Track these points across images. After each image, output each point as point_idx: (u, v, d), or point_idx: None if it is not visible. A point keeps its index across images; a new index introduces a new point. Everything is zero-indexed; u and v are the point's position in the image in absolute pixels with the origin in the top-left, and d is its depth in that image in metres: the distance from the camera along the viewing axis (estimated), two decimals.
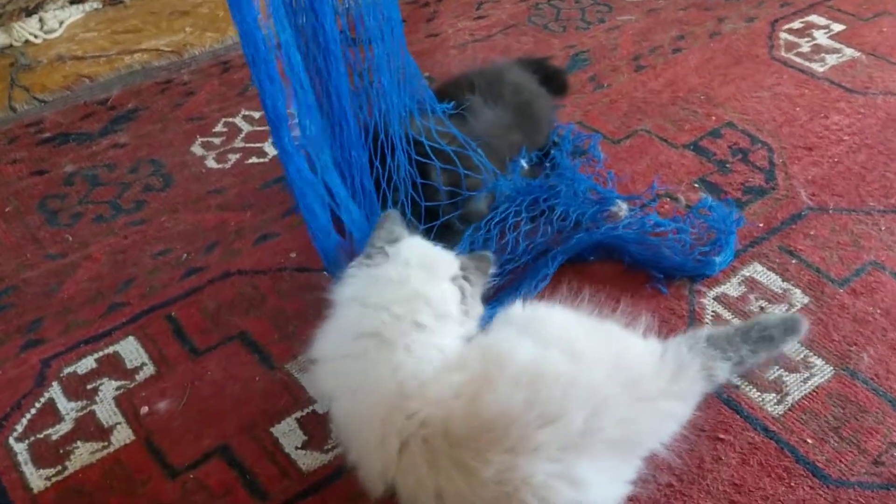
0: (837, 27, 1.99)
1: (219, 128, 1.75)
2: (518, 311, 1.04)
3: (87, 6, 2.20)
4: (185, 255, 1.43)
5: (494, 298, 1.31)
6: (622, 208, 1.47)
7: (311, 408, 1.18)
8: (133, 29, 2.11)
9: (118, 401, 1.20)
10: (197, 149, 1.69)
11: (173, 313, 1.33)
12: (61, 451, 1.14)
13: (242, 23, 0.96)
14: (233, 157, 1.66)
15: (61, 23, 2.12)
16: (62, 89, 1.89)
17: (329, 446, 1.13)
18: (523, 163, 1.54)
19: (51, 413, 1.19)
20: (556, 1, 2.16)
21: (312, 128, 1.14)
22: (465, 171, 1.34)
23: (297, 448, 1.13)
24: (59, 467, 1.12)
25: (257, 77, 1.00)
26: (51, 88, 1.89)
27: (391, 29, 1.30)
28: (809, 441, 1.12)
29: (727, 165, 1.58)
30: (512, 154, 1.50)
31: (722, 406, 1.16)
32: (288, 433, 1.14)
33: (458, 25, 2.08)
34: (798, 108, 1.72)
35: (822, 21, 2.01)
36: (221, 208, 1.53)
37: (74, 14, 2.17)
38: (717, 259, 1.36)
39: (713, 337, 1.06)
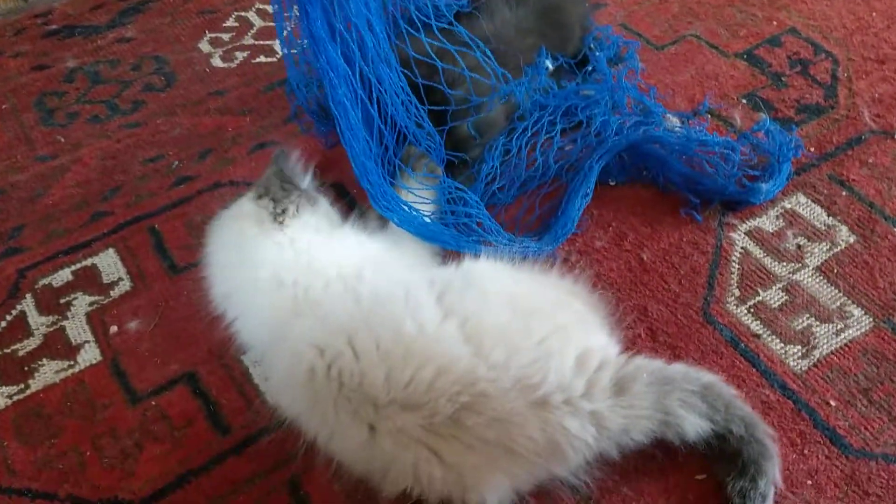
0: None
1: (230, 22, 1.63)
2: (450, 271, 0.96)
3: None
4: (177, 162, 1.34)
5: (535, 230, 1.19)
6: (674, 122, 1.31)
7: None
8: None
9: (90, 317, 1.14)
10: (204, 45, 1.58)
11: (157, 226, 1.25)
12: (26, 369, 1.09)
13: None
14: (240, 56, 1.55)
15: None
16: None
17: None
18: (548, 63, 1.38)
19: (21, 327, 1.14)
20: None
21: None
22: (470, 74, 1.19)
23: (266, 379, 1.05)
24: (22, 385, 1.07)
25: None
26: None
27: None
28: (832, 403, 0.98)
29: (783, 79, 1.39)
30: (529, 59, 1.34)
31: (737, 357, 1.03)
32: (259, 362, 1.07)
33: None
34: (874, 14, 1.50)
35: None
36: (220, 112, 1.43)
37: None
38: (765, 186, 1.19)
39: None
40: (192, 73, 1.52)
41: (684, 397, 0.88)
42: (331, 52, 0.94)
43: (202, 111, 1.43)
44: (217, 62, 1.54)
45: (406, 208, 1.08)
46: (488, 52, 1.20)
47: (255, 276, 0.96)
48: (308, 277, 0.95)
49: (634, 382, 0.87)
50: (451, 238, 1.11)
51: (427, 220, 1.10)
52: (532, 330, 0.88)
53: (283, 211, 1.02)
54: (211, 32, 1.61)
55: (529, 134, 1.27)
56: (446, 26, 1.14)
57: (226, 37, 1.59)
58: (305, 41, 1.16)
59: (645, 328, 1.07)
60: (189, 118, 1.42)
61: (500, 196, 1.24)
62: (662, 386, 0.88)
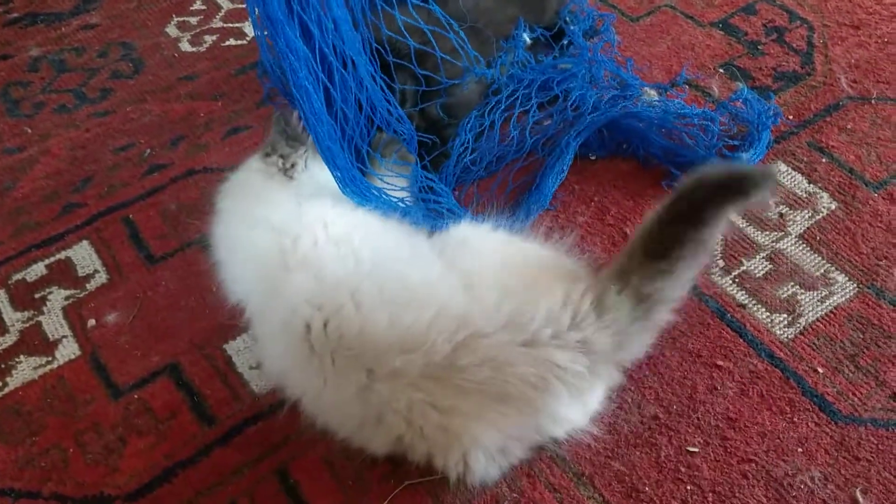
0: None
1: (197, 5, 1.60)
2: (451, 231, 0.98)
3: None
4: (149, 150, 1.31)
5: (512, 203, 1.18)
6: (652, 95, 1.30)
7: None
8: None
9: (66, 311, 1.12)
10: (172, 30, 1.55)
11: (131, 216, 1.22)
12: (3, 366, 1.07)
13: None
14: (209, 39, 1.52)
15: None
16: None
17: None
18: (525, 37, 1.36)
19: None
20: None
21: None
22: (442, 55, 1.17)
23: (250, 368, 1.04)
24: (0, 383, 1.05)
25: None
26: None
27: None
28: (820, 370, 0.98)
29: (759, 47, 1.39)
30: (508, 31, 1.33)
31: (724, 328, 1.03)
32: (242, 350, 1.05)
33: None
34: None
35: None
36: (191, 97, 1.40)
37: None
38: (746, 155, 1.19)
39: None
40: (160, 59, 1.48)
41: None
42: (289, 34, 0.91)
43: (173, 97, 1.40)
44: (186, 46, 1.51)
45: (376, 193, 1.06)
46: (462, 35, 1.18)
47: (254, 230, 0.96)
48: (299, 230, 0.93)
49: (608, 295, 0.87)
50: (422, 219, 1.10)
51: (398, 205, 1.09)
52: (521, 277, 0.90)
53: (293, 165, 1.02)
54: (178, 16, 1.57)
55: (503, 107, 1.25)
56: (421, 3, 1.12)
57: (193, 20, 1.56)
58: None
59: None
60: (159, 105, 1.39)
61: (473, 170, 1.22)
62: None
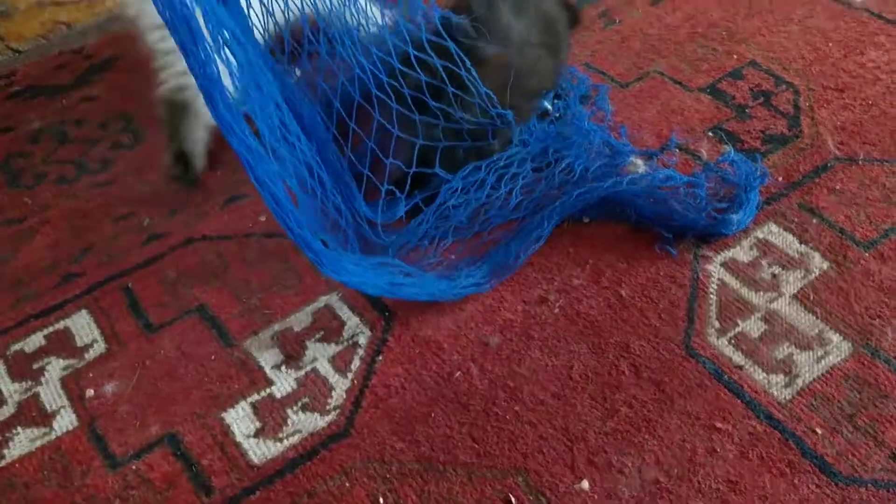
0: None
1: None
2: None
3: None
4: (148, 219, 1.33)
5: (482, 255, 1.20)
6: (638, 165, 1.32)
7: (267, 390, 1.08)
8: None
9: (64, 382, 1.12)
10: None
11: (130, 284, 1.23)
12: (0, 439, 1.06)
13: None
14: None
15: None
16: (38, 38, 1.78)
17: (283, 434, 1.03)
18: (546, 104, 1.39)
19: None
20: None
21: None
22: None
23: (248, 436, 1.03)
24: None
25: (178, 39, 0.85)
26: (26, 37, 1.78)
27: None
28: (819, 431, 0.99)
29: (746, 111, 1.42)
30: (543, 85, 1.35)
31: (721, 389, 1.03)
32: (240, 419, 1.05)
33: None
34: (831, 44, 1.54)
35: None
36: None
37: None
38: (736, 217, 1.21)
39: None
40: (158, 129, 1.50)
41: None
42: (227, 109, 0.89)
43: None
44: None
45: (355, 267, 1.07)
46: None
47: None
48: None
49: None
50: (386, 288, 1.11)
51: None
52: None
53: None
54: None
55: (501, 165, 1.27)
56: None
57: None
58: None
59: (628, 365, 1.07)
60: (158, 175, 1.41)
61: (453, 215, 1.24)
62: None
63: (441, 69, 1.15)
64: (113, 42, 1.75)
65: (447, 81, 1.16)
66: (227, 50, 0.88)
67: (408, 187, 1.22)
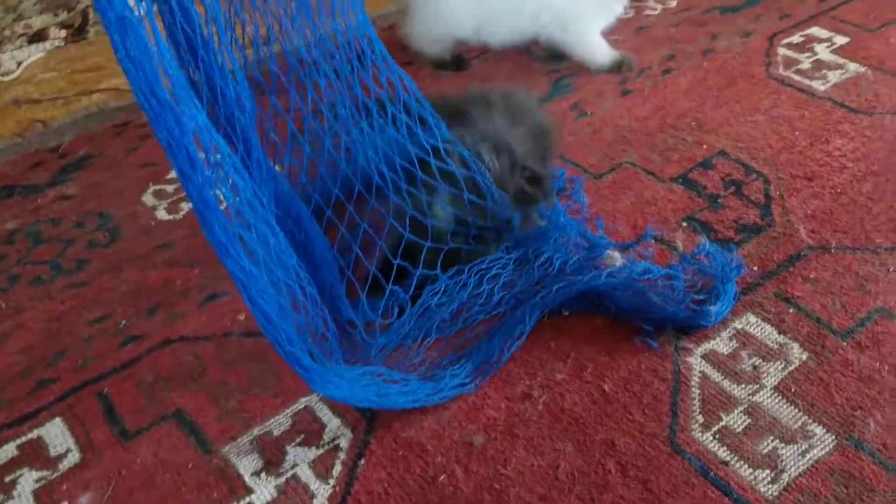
0: (841, 40, 1.84)
1: (173, 174, 1.64)
2: None
3: (48, 44, 2.10)
4: (124, 321, 1.31)
5: (466, 353, 1.19)
6: (615, 258, 1.33)
7: (246, 499, 1.06)
8: (94, 67, 2.01)
9: (37, 495, 1.08)
10: (148, 198, 1.58)
11: (105, 389, 1.21)
12: None
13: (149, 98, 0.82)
14: (185, 207, 1.54)
15: (19, 64, 2.03)
16: (14, 136, 1.79)
17: None
18: (540, 221, 1.40)
19: None
20: None
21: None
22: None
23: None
24: None
25: (177, 166, 0.86)
26: (2, 136, 1.79)
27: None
28: None
29: (719, 200, 1.45)
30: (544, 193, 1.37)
31: (708, 487, 1.02)
32: None
33: None
34: (797, 133, 1.58)
35: (824, 34, 1.87)
36: (168, 265, 1.42)
37: (34, 53, 2.07)
38: (714, 308, 1.22)
39: None
40: (136, 227, 1.51)
41: None
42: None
43: (149, 266, 1.42)
44: (162, 214, 1.53)
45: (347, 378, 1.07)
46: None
47: None
48: None
49: None
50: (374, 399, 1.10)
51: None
52: None
53: None
54: (155, 184, 1.61)
55: (486, 264, 1.27)
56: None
57: (170, 188, 1.60)
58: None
59: (615, 463, 1.06)
60: (136, 273, 1.40)
61: (435, 311, 1.23)
62: None
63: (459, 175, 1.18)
64: (89, 140, 1.76)
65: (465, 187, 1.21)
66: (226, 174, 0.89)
67: (392, 280, 1.22)
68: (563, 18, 1.76)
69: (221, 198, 0.90)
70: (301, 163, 1.30)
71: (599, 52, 1.81)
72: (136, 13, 0.78)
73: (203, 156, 0.87)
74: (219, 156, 0.88)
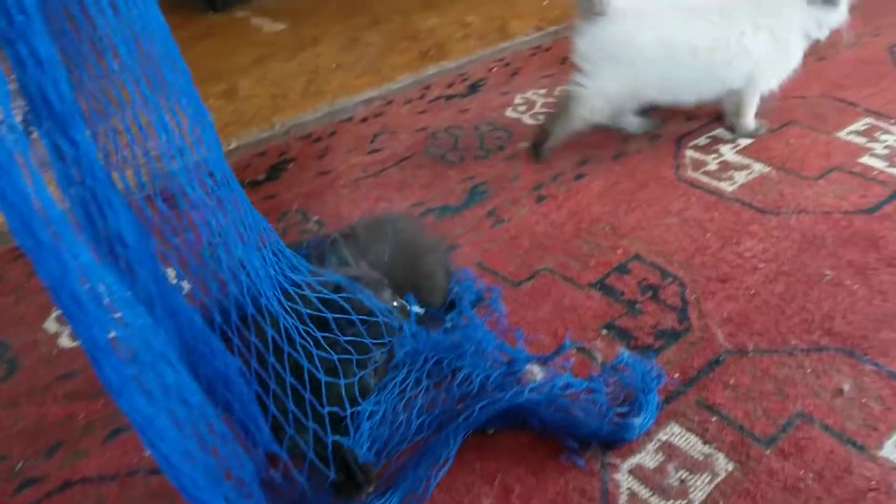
0: (745, 141, 1.91)
1: None
2: None
3: None
4: (21, 462, 1.23)
5: (391, 485, 1.14)
6: (536, 373, 1.31)
7: None
8: None
9: None
10: (51, 324, 1.50)
11: None
12: None
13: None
14: None
15: None
16: None
17: None
18: (417, 309, 1.38)
19: None
20: (454, 129, 2.06)
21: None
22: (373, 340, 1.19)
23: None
24: None
25: (62, 307, 0.81)
26: None
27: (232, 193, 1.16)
28: None
29: (636, 306, 1.45)
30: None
31: None
32: None
33: (350, 161, 1.96)
34: (709, 235, 1.61)
35: (728, 135, 1.94)
36: (70, 397, 1.34)
37: None
38: (637, 421, 1.20)
39: None
40: (37, 357, 1.43)
41: None
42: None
43: (49, 399, 1.34)
44: (65, 342, 1.46)
45: None
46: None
47: None
48: None
49: None
50: None
51: None
52: None
53: None
54: (57, 309, 1.53)
55: (397, 392, 1.24)
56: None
57: None
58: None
59: None
60: (35, 408, 1.32)
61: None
62: None
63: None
64: None
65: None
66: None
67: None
68: (758, 75, 1.84)
69: (113, 336, 0.85)
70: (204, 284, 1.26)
71: (753, 117, 1.92)
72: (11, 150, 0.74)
73: (92, 293, 0.82)
74: (108, 293, 0.83)
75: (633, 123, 1.95)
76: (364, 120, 2.12)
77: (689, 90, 1.85)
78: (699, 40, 1.77)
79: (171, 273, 1.28)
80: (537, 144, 1.88)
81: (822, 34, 1.81)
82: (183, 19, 2.74)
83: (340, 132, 2.08)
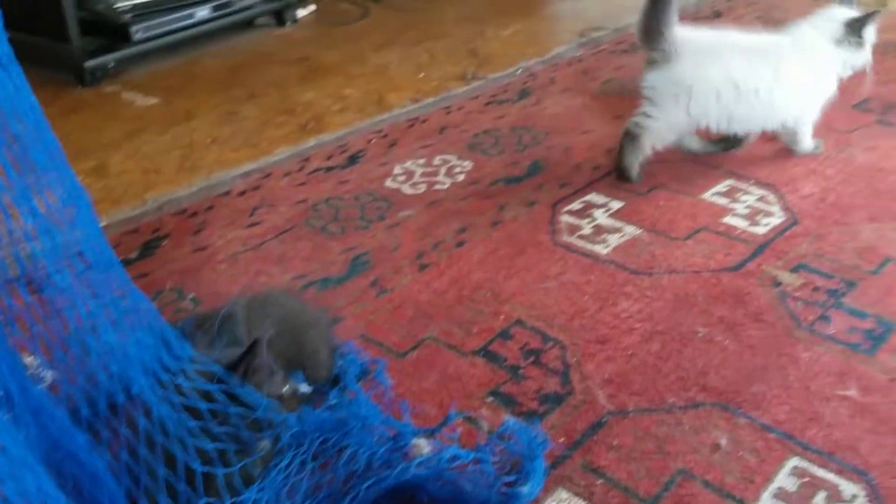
0: (616, 204, 1.98)
1: None
2: None
3: None
4: None
5: None
6: (422, 446, 1.29)
7: None
8: None
9: None
10: None
11: None
12: None
13: None
14: None
15: None
16: None
17: None
18: (304, 388, 1.34)
19: None
20: (335, 200, 2.05)
21: None
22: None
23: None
24: None
25: None
26: None
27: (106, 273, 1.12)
28: None
29: (520, 371, 1.46)
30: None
31: None
32: None
33: (228, 236, 1.92)
34: (586, 297, 1.65)
35: (601, 199, 2.00)
36: None
37: None
38: (525, 489, 1.20)
39: None
40: None
41: None
42: None
43: None
44: None
45: None
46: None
47: None
48: None
49: None
50: None
51: None
52: None
53: None
54: None
55: (283, 477, 1.19)
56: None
57: None
58: None
59: None
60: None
61: None
62: None
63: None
64: None
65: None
66: None
67: None
68: (804, 110, 2.05)
69: None
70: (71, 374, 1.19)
71: (810, 140, 2.12)
72: None
73: None
74: None
75: (695, 144, 2.16)
76: (242, 193, 2.09)
77: (745, 124, 2.05)
78: (761, 81, 1.95)
79: (34, 362, 1.21)
80: (623, 174, 2.06)
81: (846, 73, 2.03)
82: (50, 95, 2.64)
83: (217, 206, 2.04)
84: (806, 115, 2.05)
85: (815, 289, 1.63)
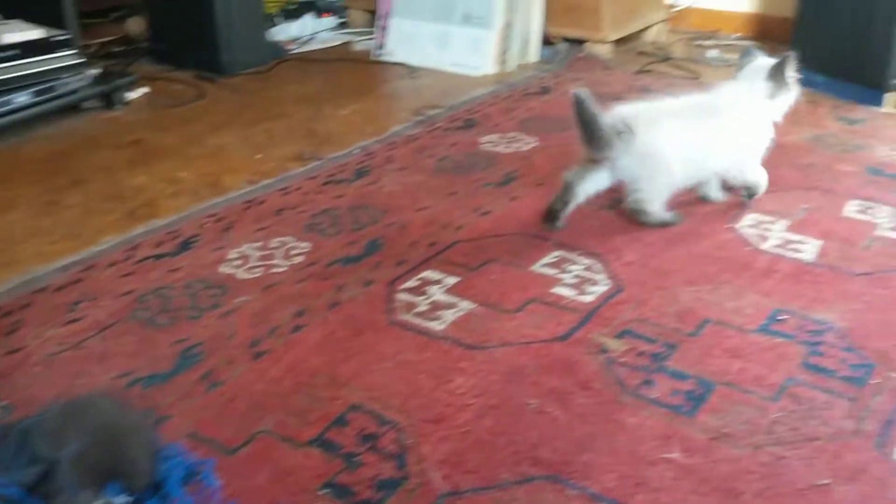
0: (451, 280, 2.00)
1: None
2: None
3: None
4: None
5: None
6: None
7: None
8: None
9: None
10: None
11: None
12: None
13: None
14: None
15: None
16: None
17: None
18: (118, 499, 1.26)
19: None
20: (165, 290, 1.98)
21: None
22: None
23: None
24: None
25: None
26: None
27: None
28: None
29: (355, 459, 1.43)
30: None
31: None
32: None
33: (44, 335, 1.80)
34: (422, 375, 1.65)
35: (436, 276, 2.02)
36: None
37: None
38: None
39: None
40: None
41: None
42: None
43: None
44: None
45: None
46: None
47: None
48: None
49: None
50: None
51: None
52: None
53: None
54: None
55: None
56: None
57: None
58: None
59: None
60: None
61: None
62: None
63: None
64: None
65: None
66: None
67: None
68: (744, 159, 2.26)
69: None
70: None
71: (762, 178, 2.29)
72: None
73: None
74: None
75: (713, 193, 2.36)
76: (60, 288, 1.98)
77: (707, 176, 2.29)
78: (709, 144, 2.19)
79: None
80: (549, 217, 2.22)
81: (779, 118, 2.26)
82: None
83: (35, 304, 1.92)
84: (755, 161, 2.28)
85: (640, 353, 1.70)
